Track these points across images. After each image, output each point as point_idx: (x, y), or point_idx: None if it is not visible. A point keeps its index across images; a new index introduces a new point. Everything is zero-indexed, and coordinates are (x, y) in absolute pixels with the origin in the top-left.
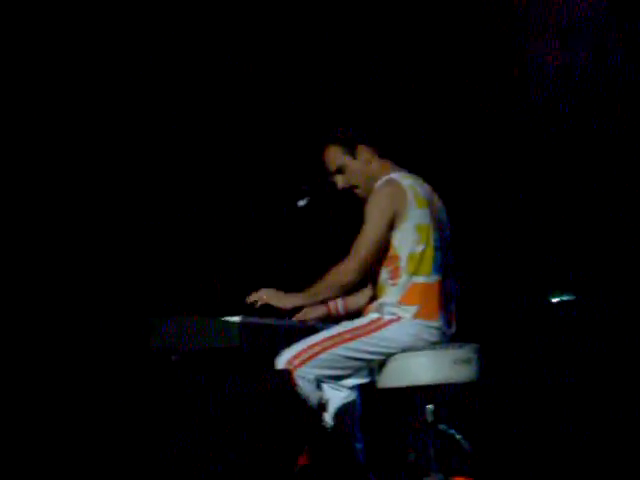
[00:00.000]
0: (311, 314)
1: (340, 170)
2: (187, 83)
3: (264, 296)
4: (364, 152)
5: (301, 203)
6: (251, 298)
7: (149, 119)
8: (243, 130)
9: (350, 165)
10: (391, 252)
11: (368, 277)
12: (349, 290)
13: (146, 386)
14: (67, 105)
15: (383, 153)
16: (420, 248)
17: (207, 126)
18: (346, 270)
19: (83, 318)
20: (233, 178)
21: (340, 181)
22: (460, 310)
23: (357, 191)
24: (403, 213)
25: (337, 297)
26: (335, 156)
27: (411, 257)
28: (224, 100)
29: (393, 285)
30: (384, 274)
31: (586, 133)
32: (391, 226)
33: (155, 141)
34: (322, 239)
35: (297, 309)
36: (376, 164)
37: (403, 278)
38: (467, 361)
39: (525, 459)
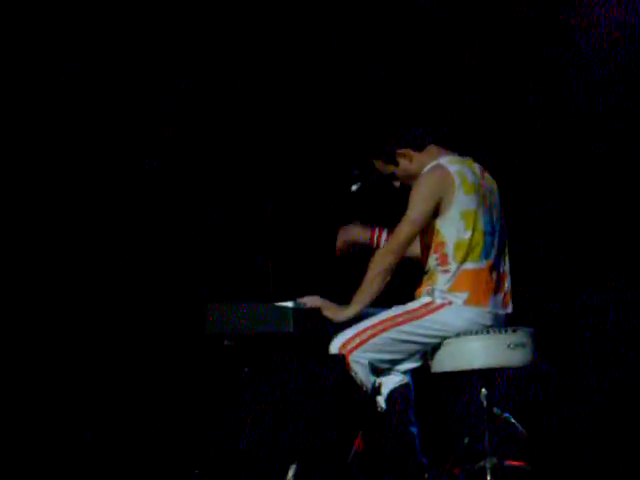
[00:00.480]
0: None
1: (391, 177)
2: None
3: (318, 304)
4: (403, 155)
5: (354, 188)
6: (304, 301)
7: (196, 102)
8: (292, 112)
9: (396, 171)
10: (439, 239)
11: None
12: (392, 272)
13: (201, 371)
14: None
15: (421, 146)
16: (467, 235)
17: (258, 108)
18: (385, 252)
19: (140, 304)
20: (285, 163)
21: (396, 185)
22: (516, 294)
23: (410, 183)
24: (449, 199)
25: (383, 284)
26: (381, 168)
27: (458, 244)
28: (275, 83)
29: (443, 272)
30: (433, 260)
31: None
32: (436, 211)
33: (204, 127)
34: (376, 222)
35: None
36: (418, 158)
37: (452, 265)
38: (521, 345)
39: (579, 443)
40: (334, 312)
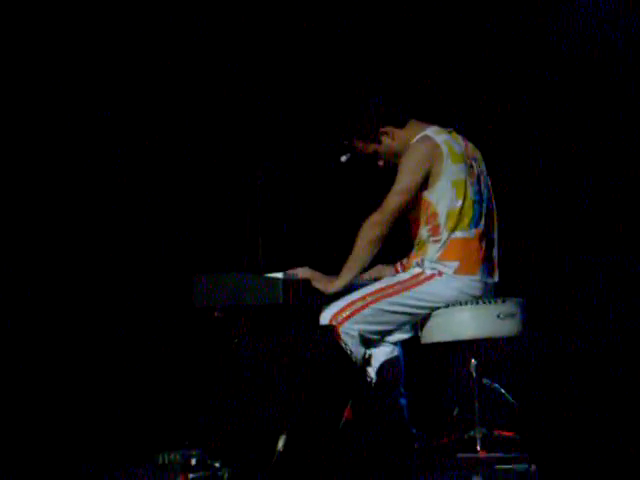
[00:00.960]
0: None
1: (374, 155)
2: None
3: (308, 275)
4: (385, 133)
5: (343, 158)
6: (295, 272)
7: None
8: (279, 87)
9: (378, 149)
10: (430, 210)
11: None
12: (381, 244)
13: (190, 343)
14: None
15: (402, 122)
16: (458, 204)
17: (244, 81)
18: (373, 223)
19: (128, 277)
20: (274, 133)
21: (380, 162)
22: (506, 264)
23: (397, 161)
24: (439, 169)
25: (372, 255)
26: (363, 148)
27: (450, 213)
28: (262, 57)
29: (434, 242)
30: (424, 232)
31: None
32: (426, 182)
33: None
34: (364, 194)
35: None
36: (400, 134)
37: (443, 235)
38: (511, 315)
39: (568, 413)
40: (324, 284)
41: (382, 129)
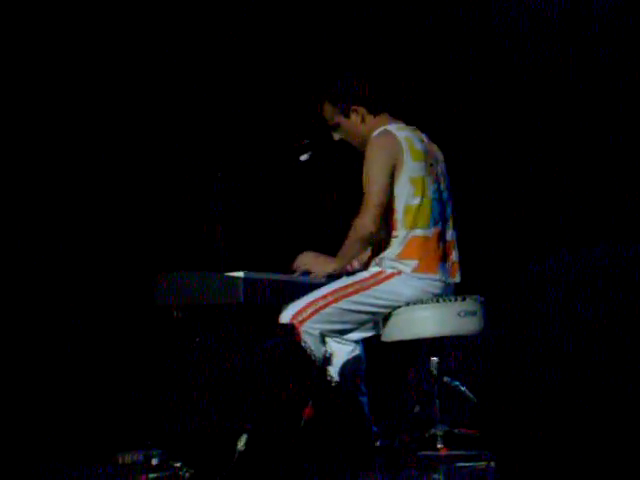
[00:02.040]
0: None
1: (335, 127)
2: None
3: (305, 261)
4: (356, 111)
5: (303, 157)
6: (294, 266)
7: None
8: (244, 85)
9: (343, 123)
10: (390, 205)
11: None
12: (372, 242)
13: (151, 342)
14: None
15: (376, 111)
16: (416, 201)
17: (211, 78)
18: (362, 224)
19: (88, 276)
20: (235, 131)
21: (336, 137)
22: (465, 262)
23: (354, 145)
24: (398, 165)
25: (361, 252)
26: (329, 114)
27: (407, 209)
28: (228, 53)
29: (393, 237)
30: (383, 226)
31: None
32: (392, 175)
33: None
34: (326, 191)
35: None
36: (370, 121)
37: (401, 231)
38: (471, 313)
39: (529, 410)
40: (319, 266)
41: (355, 106)
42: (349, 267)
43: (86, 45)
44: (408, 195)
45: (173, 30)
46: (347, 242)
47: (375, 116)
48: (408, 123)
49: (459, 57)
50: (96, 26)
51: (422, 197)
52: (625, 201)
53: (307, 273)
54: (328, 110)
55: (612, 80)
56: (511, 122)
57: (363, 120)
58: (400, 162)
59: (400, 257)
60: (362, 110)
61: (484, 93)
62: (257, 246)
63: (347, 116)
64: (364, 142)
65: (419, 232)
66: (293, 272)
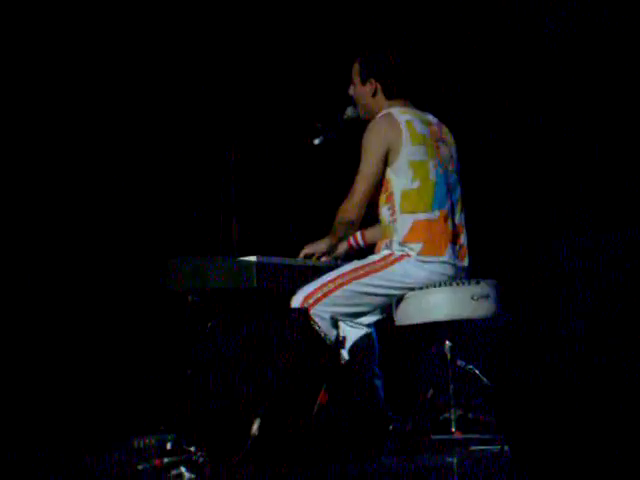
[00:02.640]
0: (335, 252)
1: (352, 83)
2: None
3: (305, 250)
4: (372, 84)
5: (316, 141)
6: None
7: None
8: (259, 69)
9: (358, 87)
10: (389, 189)
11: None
12: (358, 225)
13: (164, 326)
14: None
15: (391, 94)
16: (415, 185)
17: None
18: (347, 208)
19: (102, 260)
20: (245, 117)
21: (350, 91)
22: (481, 246)
23: (360, 112)
24: (397, 149)
25: (350, 234)
26: (353, 72)
27: (405, 194)
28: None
29: (393, 222)
30: (385, 211)
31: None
32: (385, 161)
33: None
34: (339, 176)
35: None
36: (380, 99)
37: (401, 216)
38: (485, 297)
39: (543, 395)
40: (315, 245)
41: (373, 79)
42: (357, 245)
43: (90, 30)
44: (406, 179)
45: (186, 11)
46: (334, 224)
47: (388, 98)
48: (423, 104)
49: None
50: (99, 15)
51: (422, 181)
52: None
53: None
54: (354, 69)
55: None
56: (522, 111)
57: (374, 94)
58: (397, 146)
59: (405, 241)
60: (377, 85)
61: (501, 83)
62: (270, 230)
63: (363, 83)
64: (367, 114)
65: (422, 216)
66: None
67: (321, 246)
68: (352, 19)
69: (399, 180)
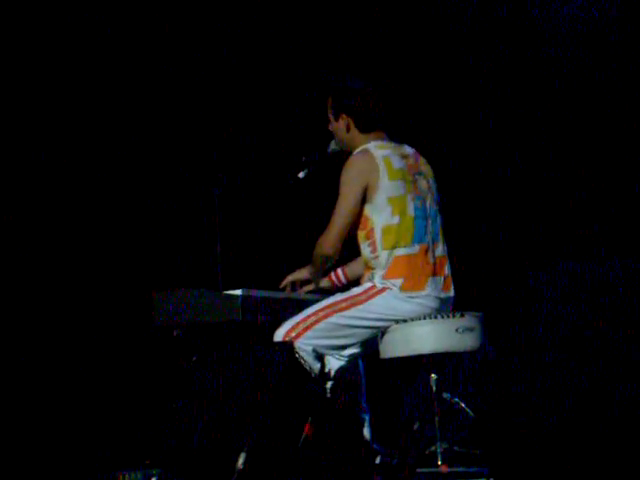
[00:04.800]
0: (318, 282)
1: (329, 120)
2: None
3: (288, 278)
4: (344, 119)
5: (301, 175)
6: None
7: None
8: (242, 102)
9: (332, 122)
10: (368, 225)
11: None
12: (335, 259)
13: (149, 361)
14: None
15: (364, 129)
16: (395, 220)
17: (204, 94)
18: (324, 242)
19: (85, 295)
20: (233, 148)
21: (329, 127)
22: (464, 279)
23: (343, 148)
24: (374, 185)
25: (327, 267)
26: (327, 108)
27: (386, 230)
28: (222, 69)
29: (374, 259)
30: (366, 248)
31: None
32: (364, 197)
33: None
34: (324, 209)
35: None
36: (354, 133)
37: (382, 252)
38: (469, 329)
39: (528, 427)
40: (296, 273)
41: (344, 115)
42: (339, 282)
43: (77, 62)
44: (386, 215)
45: (170, 40)
46: (312, 255)
47: (362, 132)
48: (401, 135)
49: (459, 69)
50: (90, 39)
51: (401, 216)
52: (618, 215)
53: (294, 288)
54: (328, 103)
55: (613, 91)
56: (506, 135)
57: (348, 129)
58: (375, 183)
59: (385, 278)
60: (349, 120)
61: (482, 106)
62: (255, 264)
63: (336, 119)
64: (346, 148)
65: (401, 251)
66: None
67: (302, 273)
68: (329, 52)
69: (379, 216)
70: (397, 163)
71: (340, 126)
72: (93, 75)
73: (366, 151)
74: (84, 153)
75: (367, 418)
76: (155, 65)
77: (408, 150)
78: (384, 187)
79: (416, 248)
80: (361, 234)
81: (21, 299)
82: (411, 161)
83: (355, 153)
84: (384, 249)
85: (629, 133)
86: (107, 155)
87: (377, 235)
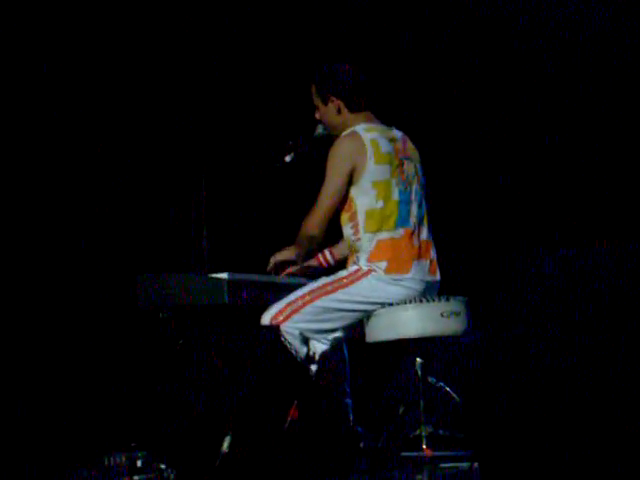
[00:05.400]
0: (303, 262)
1: (316, 108)
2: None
3: (275, 258)
4: (333, 102)
5: (287, 159)
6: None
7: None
8: (229, 86)
9: (321, 108)
10: (352, 207)
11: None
12: (320, 240)
13: (135, 344)
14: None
15: (353, 108)
16: (379, 204)
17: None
18: (310, 223)
19: (72, 277)
20: (220, 132)
21: (316, 115)
22: (449, 263)
23: (329, 130)
24: (361, 168)
25: (312, 248)
26: (313, 94)
27: (370, 213)
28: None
29: (357, 241)
30: (348, 230)
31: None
32: (350, 179)
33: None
34: (310, 193)
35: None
36: (346, 114)
37: (364, 235)
38: (455, 314)
39: (512, 410)
40: (280, 254)
41: (333, 97)
42: (326, 263)
43: (79, 57)
44: (370, 198)
45: (164, 35)
46: (297, 235)
47: (352, 112)
48: (387, 119)
49: (450, 57)
50: (88, 40)
51: (385, 200)
52: (604, 200)
53: (279, 270)
54: (312, 91)
55: (607, 81)
56: (493, 121)
57: (339, 111)
58: (361, 166)
59: (370, 260)
60: (339, 102)
61: (468, 91)
62: (241, 247)
63: (325, 103)
64: (336, 131)
65: (385, 235)
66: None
67: (287, 254)
68: (313, 37)
69: (363, 199)
70: (385, 147)
71: (330, 110)
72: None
73: (354, 133)
74: (70, 138)
75: (350, 403)
76: (140, 50)
77: (396, 133)
78: (370, 171)
79: (400, 232)
80: (345, 216)
81: (6, 283)
82: (399, 145)
83: (343, 135)
84: (366, 232)
85: (617, 116)
86: (93, 138)
87: (360, 218)
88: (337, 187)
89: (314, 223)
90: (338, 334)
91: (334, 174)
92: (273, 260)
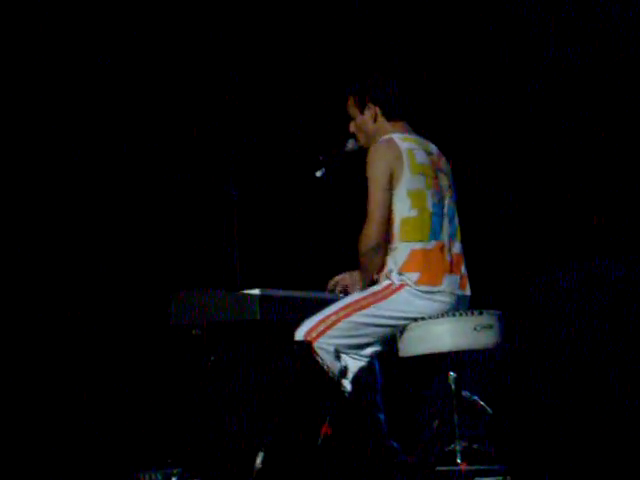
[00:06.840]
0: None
1: (351, 118)
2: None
3: (341, 281)
4: (370, 109)
5: (318, 174)
6: (330, 286)
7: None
8: (260, 103)
9: (357, 117)
10: (389, 215)
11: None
12: (383, 249)
13: (168, 360)
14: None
15: (391, 116)
16: (413, 213)
17: (225, 97)
18: (365, 235)
19: (105, 294)
20: (251, 148)
21: (351, 128)
22: (483, 277)
23: (361, 142)
24: (398, 175)
25: (378, 259)
26: (349, 106)
27: (404, 222)
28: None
29: (391, 250)
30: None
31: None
32: (390, 185)
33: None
34: (341, 208)
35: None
36: (382, 123)
37: (399, 245)
38: (488, 327)
39: (547, 425)
40: (353, 283)
41: (370, 104)
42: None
43: (90, 56)
44: (405, 207)
45: (188, 37)
46: (360, 257)
47: (389, 120)
48: (422, 131)
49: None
50: (100, 36)
51: (420, 210)
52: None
53: (343, 292)
54: (349, 102)
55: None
56: (521, 135)
57: (375, 120)
58: (398, 173)
59: (402, 270)
60: (377, 110)
61: (498, 108)
62: (273, 263)
63: (362, 111)
64: (370, 140)
65: (418, 245)
66: (319, 290)
67: (352, 279)
68: (346, 51)
69: (399, 207)
70: (420, 157)
71: (366, 118)
72: (109, 76)
73: (390, 139)
74: (107, 154)
75: (383, 417)
76: (172, 66)
77: (432, 147)
78: (405, 179)
79: (432, 244)
80: None
81: (41, 300)
82: (434, 158)
83: (379, 141)
84: (402, 241)
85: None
86: (130, 156)
87: (395, 226)
88: (384, 194)
89: (372, 232)
90: (371, 349)
91: (377, 182)
92: (339, 288)
